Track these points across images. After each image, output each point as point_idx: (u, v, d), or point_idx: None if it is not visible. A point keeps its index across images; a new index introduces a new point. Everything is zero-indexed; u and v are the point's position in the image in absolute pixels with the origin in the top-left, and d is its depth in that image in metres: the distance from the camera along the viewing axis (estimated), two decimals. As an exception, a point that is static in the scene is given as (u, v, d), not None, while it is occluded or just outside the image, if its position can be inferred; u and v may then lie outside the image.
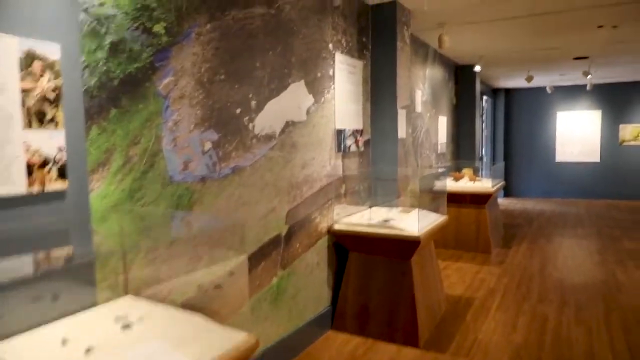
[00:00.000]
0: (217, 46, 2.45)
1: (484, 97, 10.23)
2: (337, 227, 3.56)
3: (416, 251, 3.30)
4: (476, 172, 6.86)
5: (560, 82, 9.90)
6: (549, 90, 9.64)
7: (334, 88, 3.60)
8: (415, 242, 3.22)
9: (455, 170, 6.89)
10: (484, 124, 10.42)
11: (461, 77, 7.52)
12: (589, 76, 7.84)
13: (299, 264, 3.23)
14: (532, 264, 5.30)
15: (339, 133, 3.67)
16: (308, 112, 3.28)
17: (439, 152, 6.48)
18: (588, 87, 8.76)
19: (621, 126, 10.23)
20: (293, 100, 3.10)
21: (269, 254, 2.91)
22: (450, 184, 6.11)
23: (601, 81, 9.77)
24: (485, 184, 6.01)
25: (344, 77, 3.74)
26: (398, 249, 3.34)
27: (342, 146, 3.72)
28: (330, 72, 3.55)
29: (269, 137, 2.87)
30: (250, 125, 2.71)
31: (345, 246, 3.64)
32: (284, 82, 2.99)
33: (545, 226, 7.52)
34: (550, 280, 4.69)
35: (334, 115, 3.61)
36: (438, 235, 3.82)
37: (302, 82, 3.20)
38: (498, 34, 5.44)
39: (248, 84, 2.68)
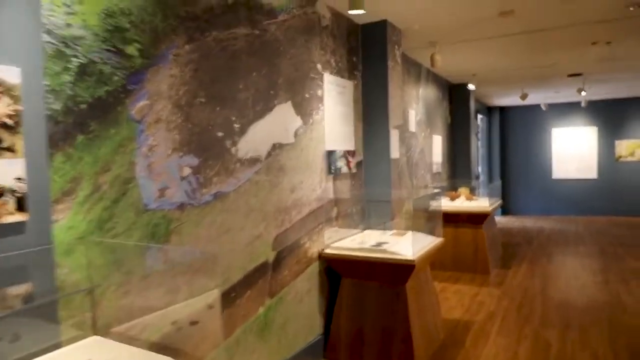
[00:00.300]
0: (197, 68, 2.36)
1: (479, 116, 10.20)
2: (328, 251, 3.43)
3: (411, 276, 3.16)
4: (473, 191, 6.76)
5: (555, 99, 9.89)
6: (543, 108, 9.61)
7: (323, 109, 3.51)
8: (410, 267, 3.09)
9: (451, 189, 6.78)
10: (479, 142, 10.36)
11: (455, 95, 7.48)
12: (583, 93, 7.81)
13: (288, 292, 3.09)
14: (533, 284, 5.16)
15: (330, 155, 3.57)
16: (296, 134, 3.18)
17: (434, 171, 6.38)
18: (583, 104, 8.73)
19: (617, 142, 10.18)
20: (280, 122, 3.01)
21: (255, 282, 2.78)
22: (447, 204, 6.00)
23: (596, 97, 9.75)
24: (482, 203, 5.90)
25: (334, 97, 3.66)
26: (392, 274, 3.20)
27: (332, 168, 3.62)
28: (319, 93, 3.47)
29: (254, 161, 2.76)
30: (234, 149, 2.60)
31: (337, 271, 3.51)
32: (269, 104, 2.90)
33: (545, 244, 7.39)
34: (553, 302, 4.54)
35: (323, 136, 3.52)
36: (434, 259, 3.70)
37: (289, 103, 3.11)
38: (491, 52, 5.41)
39: (230, 107, 2.59)
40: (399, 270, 3.14)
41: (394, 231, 3.89)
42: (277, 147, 2.98)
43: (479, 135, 10.35)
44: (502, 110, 10.96)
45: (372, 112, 4.09)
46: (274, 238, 2.95)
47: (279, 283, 3.00)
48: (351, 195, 3.95)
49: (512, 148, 10.93)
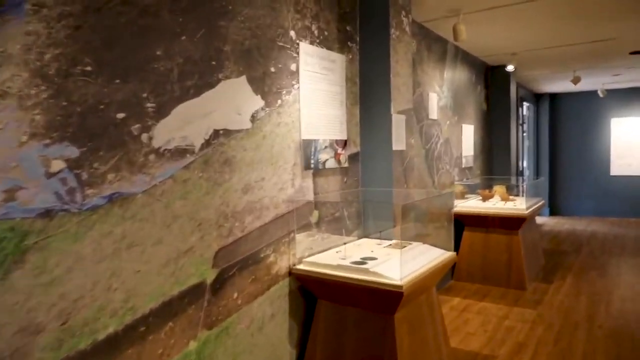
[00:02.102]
0: (79, 24, 1.71)
1: (525, 104, 9.10)
2: (301, 267, 2.73)
3: (401, 305, 2.41)
4: (511, 190, 5.82)
5: (614, 84, 8.62)
6: (601, 94, 8.38)
7: (298, 87, 2.79)
8: (397, 295, 2.33)
9: (486, 187, 5.87)
10: (525, 134, 9.26)
11: (493, 79, 6.51)
12: (650, 75, 6.63)
13: (238, 320, 2.41)
14: (578, 306, 4.23)
15: (307, 145, 2.85)
16: (254, 118, 2.49)
17: (463, 166, 5.50)
18: (649, 89, 7.49)
19: (691, 134, 8.78)
20: (227, 102, 2.32)
21: (182, 311, 2.12)
22: (475, 205, 5.12)
23: (665, 82, 8.42)
24: (519, 205, 4.98)
25: (316, 74, 2.93)
26: (375, 302, 2.47)
27: (313, 162, 2.90)
28: (292, 67, 2.75)
29: (180, 153, 2.09)
30: (145, 136, 1.94)
31: (312, 292, 2.81)
32: (209, 78, 2.22)
33: (597, 254, 6.32)
34: (602, 333, 3.62)
35: (298, 122, 2.80)
36: (437, 280, 2.91)
37: (243, 78, 2.42)
38: (531, 23, 4.46)
39: (141, 80, 1.92)
40: (384, 298, 2.39)
41: (393, 241, 3.13)
42: (221, 135, 2.29)
43: (525, 125, 9.24)
44: (553, 97, 9.75)
45: (371, 93, 3.33)
46: (215, 252, 2.28)
47: (223, 309, 2.33)
48: (342, 196, 3.22)
49: (564, 140, 9.71)
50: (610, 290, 4.68)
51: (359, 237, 3.38)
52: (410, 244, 3.05)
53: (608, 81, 8.20)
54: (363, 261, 2.63)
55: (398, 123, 3.32)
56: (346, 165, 3.24)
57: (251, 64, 2.46)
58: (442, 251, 2.95)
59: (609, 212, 9.26)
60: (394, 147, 3.27)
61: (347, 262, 2.60)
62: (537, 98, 9.72)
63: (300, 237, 2.83)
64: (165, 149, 2.03)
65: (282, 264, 2.70)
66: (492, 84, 6.52)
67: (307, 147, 2.85)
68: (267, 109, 2.57)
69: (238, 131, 2.39)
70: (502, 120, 6.56)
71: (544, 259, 5.93)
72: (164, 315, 2.04)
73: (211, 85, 2.23)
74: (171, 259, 2.07)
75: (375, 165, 3.34)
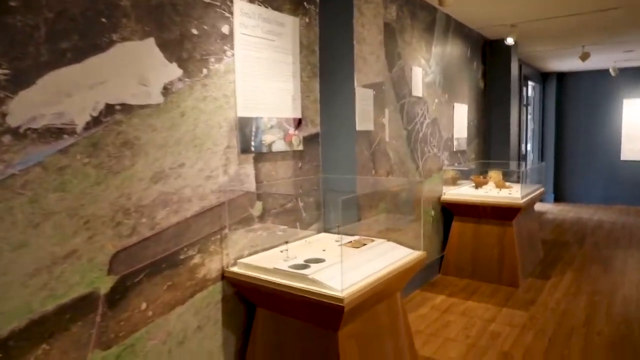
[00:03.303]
0: None
1: (530, 83, 8.50)
2: (235, 270, 2.29)
3: (345, 320, 1.97)
4: (508, 176, 5.31)
5: (627, 62, 7.98)
6: (612, 73, 7.76)
7: (232, 55, 2.32)
8: (337, 309, 1.89)
9: (481, 173, 5.37)
10: (529, 116, 8.68)
11: (491, 54, 5.95)
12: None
13: (148, 335, 1.99)
14: (576, 308, 3.76)
15: (246, 124, 2.39)
16: (167, 91, 2.03)
17: (454, 149, 5.00)
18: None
19: None
20: (124, 70, 1.86)
21: (63, 329, 1.70)
22: (466, 193, 4.64)
23: (683, 59, 7.76)
24: (514, 193, 4.49)
25: (259, 39, 2.45)
26: (316, 315, 2.03)
27: (254, 144, 2.44)
28: (224, 30, 2.28)
29: (54, 133, 1.65)
30: (-8, 109, 1.49)
31: (249, 299, 2.38)
32: (96, 40, 1.76)
33: (601, 245, 5.82)
34: (601, 341, 3.17)
35: (233, 96, 2.33)
36: (402, 285, 2.46)
37: (150, 41, 1.95)
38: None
39: (-17, 35, 1.47)
40: (324, 312, 1.95)
41: (354, 238, 2.67)
42: (117, 111, 1.84)
43: (529, 107, 8.66)
44: (560, 76, 9.12)
45: (332, 63, 2.84)
46: (111, 256, 1.84)
47: (126, 324, 1.90)
48: (296, 184, 2.76)
49: (572, 123, 9.10)
50: (614, 289, 4.19)
51: (319, 232, 2.93)
52: (372, 241, 2.59)
53: (620, 58, 7.57)
54: (306, 264, 2.18)
55: (364, 99, 2.84)
56: (300, 148, 2.77)
57: (163, 23, 1.99)
58: (409, 251, 2.49)
59: (617, 200, 8.69)
60: (358, 127, 2.79)
61: (285, 266, 2.16)
62: (543, 77, 9.10)
63: (237, 234, 2.38)
64: (29, 129, 1.58)
65: (211, 266, 2.27)
66: (491, 60, 5.96)
67: (245, 127, 2.39)
68: (186, 79, 2.10)
69: (143, 107, 1.94)
70: (502, 100, 6.01)
71: (543, 251, 5.44)
72: (32, 337, 1.62)
73: (100, 49, 1.77)
74: (43, 267, 1.63)
75: (339, 149, 2.87)
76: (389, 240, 2.65)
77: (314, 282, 1.98)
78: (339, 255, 2.32)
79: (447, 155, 4.86)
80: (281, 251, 2.43)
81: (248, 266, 2.27)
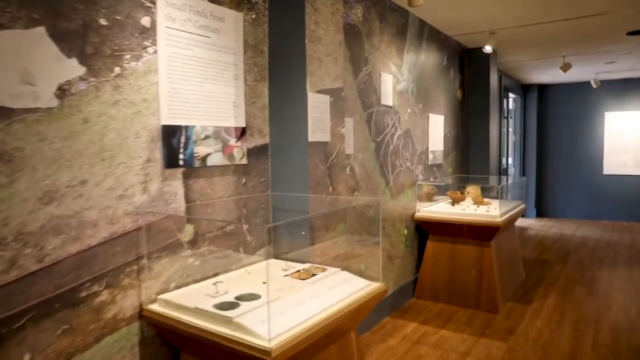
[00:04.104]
0: None
1: (511, 95, 8.29)
2: (154, 308, 1.90)
3: (279, 373, 1.59)
4: (487, 191, 5.01)
5: (609, 74, 7.82)
6: (594, 85, 7.58)
7: (155, 52, 1.96)
8: (266, 362, 1.51)
9: (458, 188, 5.06)
10: (510, 129, 8.45)
11: (469, 63, 5.69)
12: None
13: (31, 398, 1.59)
14: (560, 337, 3.43)
15: (172, 134, 2.02)
16: (64, 92, 1.65)
17: (429, 163, 4.68)
18: (647, 78, 6.69)
19: (691, 130, 8.00)
20: (0, 64, 1.48)
21: None
22: (441, 210, 4.31)
23: (665, 72, 7.62)
24: (492, 211, 4.17)
25: (190, 35, 2.10)
26: (242, 368, 1.64)
27: (182, 157, 2.07)
28: (144, 22, 1.92)
29: None
30: None
31: (171, 343, 1.99)
32: (-45, 22, 1.39)
33: (585, 264, 5.53)
34: (584, 379, 2.83)
35: (156, 100, 1.97)
36: (356, 323, 2.09)
37: (40, 30, 1.58)
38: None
39: None
40: (251, 364, 1.57)
41: (304, 267, 2.30)
42: (-13, 115, 1.46)
43: (510, 119, 8.43)
44: (541, 88, 8.93)
45: (282, 66, 2.50)
46: (-24, 298, 1.45)
47: (-4, 386, 1.51)
48: (237, 203, 2.39)
49: (553, 136, 8.90)
50: (600, 315, 3.88)
51: (267, 258, 2.55)
52: (324, 270, 2.23)
53: (602, 70, 7.39)
54: (236, 302, 1.80)
55: (318, 106, 2.49)
56: (244, 161, 2.41)
57: (58, 9, 1.63)
58: (366, 282, 2.13)
59: (600, 215, 8.47)
60: (311, 138, 2.44)
61: (209, 304, 1.78)
62: (524, 89, 8.91)
63: (161, 263, 2.00)
64: None
65: (125, 304, 1.88)
66: (469, 70, 5.70)
67: (171, 137, 2.02)
68: (91, 79, 1.73)
69: (29, 111, 1.56)
70: (481, 112, 5.74)
71: (525, 271, 5.13)
72: None
73: (-39, 35, 1.40)
74: None
75: (290, 163, 2.52)
76: (345, 268, 2.29)
77: (238, 327, 1.61)
78: (280, 290, 1.95)
79: (422, 170, 4.54)
80: (214, 284, 2.05)
81: (168, 304, 1.88)
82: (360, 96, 3.42)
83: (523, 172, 8.86)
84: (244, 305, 1.77)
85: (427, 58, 4.58)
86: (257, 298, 1.85)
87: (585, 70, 7.35)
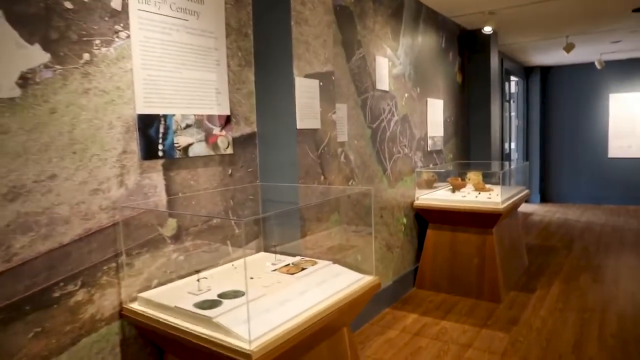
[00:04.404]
0: None
1: (512, 78, 8.11)
2: (134, 307, 1.81)
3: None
4: (489, 177, 4.88)
5: (614, 55, 7.62)
6: (598, 66, 7.40)
7: (128, 36, 1.84)
8: (248, 364, 1.42)
9: (459, 174, 4.93)
10: (513, 113, 8.29)
11: (469, 46, 5.53)
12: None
13: (2, 405, 1.50)
14: (564, 327, 3.33)
15: (149, 123, 1.91)
16: (27, 81, 1.54)
17: (428, 149, 4.56)
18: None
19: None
20: (-50, 49, 1.38)
21: None
22: (442, 197, 4.19)
23: (671, 51, 7.43)
24: (494, 197, 4.05)
25: (166, 18, 1.98)
26: (224, 371, 1.55)
27: (162, 148, 1.96)
28: (114, 4, 1.80)
29: None
30: None
31: (155, 342, 1.90)
32: None
33: (591, 250, 5.41)
34: (590, 370, 2.74)
35: (130, 88, 1.85)
36: (349, 319, 1.99)
37: (-5, 13, 1.47)
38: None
39: None
40: (233, 367, 1.48)
41: (295, 260, 2.20)
42: (-61, 106, 1.35)
43: (513, 103, 8.27)
44: (544, 71, 8.74)
45: (268, 50, 2.37)
46: None
47: (-38, 395, 1.42)
48: (223, 195, 2.28)
49: (557, 119, 8.73)
50: (606, 303, 3.77)
51: (258, 251, 2.46)
52: (315, 263, 2.13)
53: (606, 50, 7.21)
54: (219, 300, 1.71)
55: (307, 91, 2.37)
56: (230, 151, 2.30)
57: (14, -9, 1.51)
58: (359, 276, 2.02)
59: (605, 199, 8.33)
60: (300, 125, 2.33)
61: (190, 303, 1.68)
62: (527, 72, 8.72)
63: (141, 260, 1.91)
64: None
65: (104, 303, 1.78)
66: (469, 52, 5.54)
67: (148, 127, 1.91)
68: (57, 67, 1.62)
69: (-15, 100, 1.45)
70: (482, 96, 5.60)
71: (528, 258, 5.03)
72: None
73: None
74: None
75: (279, 151, 2.40)
76: (338, 261, 2.19)
77: (218, 327, 1.51)
78: (268, 285, 1.85)
79: (421, 156, 4.42)
80: (198, 280, 1.95)
81: (148, 302, 1.79)
82: (354, 81, 3.29)
83: (526, 156, 8.72)
84: (226, 304, 1.67)
85: (425, 40, 4.43)
86: (241, 295, 1.75)
87: (589, 51, 7.17)
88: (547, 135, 8.81)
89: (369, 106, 3.49)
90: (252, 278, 1.98)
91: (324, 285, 1.87)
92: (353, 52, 3.27)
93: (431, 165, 4.64)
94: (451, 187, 4.58)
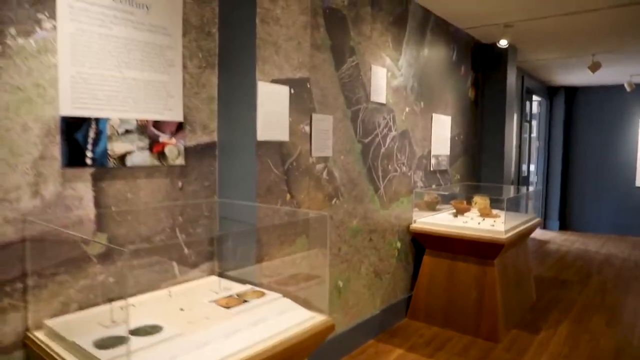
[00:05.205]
0: None
1: (535, 97, 7.70)
2: (36, 337, 1.56)
3: None
4: (498, 203, 4.51)
5: (646, 77, 7.15)
6: (628, 88, 6.93)
7: (54, 27, 1.62)
8: None
9: (466, 197, 4.59)
10: (533, 134, 7.86)
11: (483, 60, 5.20)
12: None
13: None
14: (565, 377, 2.95)
15: (76, 126, 1.68)
16: None
17: (431, 168, 4.23)
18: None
19: None
20: None
21: None
22: (441, 222, 3.86)
23: None
24: (497, 226, 3.70)
25: (105, 9, 1.76)
26: None
27: (91, 155, 1.73)
28: (39, -11, 1.58)
29: None
30: None
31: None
32: None
33: (609, 287, 4.96)
34: None
35: (54, 86, 1.62)
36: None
37: None
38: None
39: None
40: None
41: (242, 290, 1.93)
42: None
43: (533, 122, 7.85)
44: (569, 91, 8.29)
45: (232, 51, 2.13)
46: None
47: None
48: (170, 211, 2.03)
49: (580, 143, 8.24)
50: (619, 351, 3.37)
51: (211, 274, 2.19)
52: (263, 295, 1.85)
53: (637, 72, 6.74)
54: (124, 337, 1.44)
55: (273, 99, 2.11)
56: (181, 162, 2.05)
57: None
58: (309, 314, 1.74)
59: (630, 230, 7.78)
60: (261, 137, 2.07)
61: (89, 340, 1.42)
62: (550, 92, 8.28)
63: (57, 281, 1.66)
64: None
65: (4, 329, 1.54)
66: (484, 67, 5.21)
67: (75, 131, 1.68)
68: (-45, 55, 1.40)
69: None
70: (496, 114, 5.24)
71: (538, 292, 4.62)
72: None
73: None
74: None
75: (239, 165, 2.15)
76: (292, 293, 1.90)
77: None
78: (193, 321, 1.58)
79: (422, 176, 4.10)
80: (121, 308, 1.69)
81: (51, 332, 1.54)
82: (343, 91, 3.02)
83: (547, 180, 8.24)
84: (135, 342, 1.41)
85: (433, 52, 4.13)
86: (157, 332, 1.49)
87: (618, 72, 6.72)
88: (569, 158, 8.32)
89: (360, 119, 3.21)
90: (182, 310, 1.71)
91: (260, 326, 1.59)
92: (344, 60, 3.01)
93: (434, 186, 4.32)
94: (454, 210, 4.24)
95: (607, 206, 7.99)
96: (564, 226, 8.30)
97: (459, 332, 3.61)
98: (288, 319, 1.68)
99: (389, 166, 3.59)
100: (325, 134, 2.83)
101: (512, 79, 5.29)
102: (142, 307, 1.74)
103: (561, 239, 7.53)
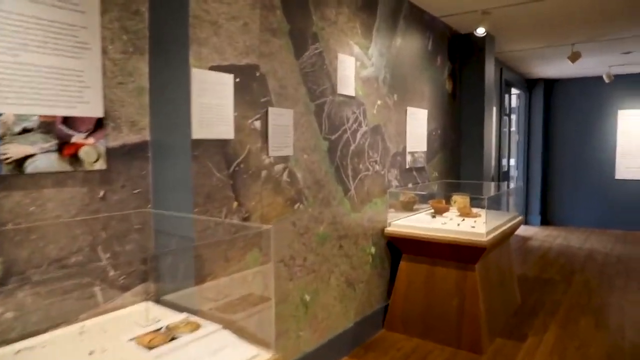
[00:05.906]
0: None
1: (513, 90, 7.51)
2: None
3: None
4: (478, 201, 4.25)
5: (624, 68, 7.01)
6: (607, 80, 6.78)
7: None
8: None
9: (445, 196, 4.32)
10: (513, 128, 7.67)
11: (461, 51, 4.94)
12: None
13: None
14: (555, 392, 2.69)
15: (-50, 125, 1.32)
16: None
17: (407, 166, 3.94)
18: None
19: None
20: None
21: None
22: (418, 224, 3.57)
23: (687, 65, 6.80)
24: (479, 227, 3.43)
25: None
26: None
27: (-26, 161, 1.37)
28: None
29: None
30: None
31: None
32: None
33: (593, 285, 4.76)
34: None
35: None
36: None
37: None
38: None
39: None
40: None
41: (174, 322, 1.59)
42: None
43: (512, 117, 7.66)
44: (548, 83, 8.13)
45: (164, 34, 1.78)
46: None
47: None
48: (88, 226, 1.68)
49: (560, 136, 8.10)
50: (610, 355, 3.13)
51: (147, 299, 1.85)
52: (198, 327, 1.52)
53: (616, 62, 6.59)
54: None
55: (212, 89, 1.78)
56: (101, 166, 1.70)
57: None
58: (251, 352, 1.41)
59: (611, 223, 7.66)
60: (196, 134, 1.74)
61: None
62: (529, 85, 8.10)
63: None
64: None
65: None
66: (461, 58, 4.95)
67: (-54, 130, 1.31)
68: None
69: None
70: (475, 107, 4.99)
71: (522, 294, 4.38)
72: None
73: None
74: None
75: (176, 168, 1.80)
76: (234, 322, 1.58)
77: None
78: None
79: (397, 174, 3.80)
80: (17, 351, 1.34)
81: None
82: (305, 82, 2.70)
83: (527, 175, 8.07)
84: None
85: (406, 40, 3.84)
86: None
87: (597, 63, 6.56)
88: (549, 152, 8.17)
89: (326, 113, 2.90)
90: (91, 354, 1.37)
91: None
92: (306, 47, 2.68)
93: (410, 185, 4.03)
94: (432, 210, 3.97)
95: (588, 199, 7.86)
96: (545, 221, 8.14)
97: (439, 344, 3.34)
98: (229, 356, 1.35)
99: (360, 165, 3.29)
100: (284, 130, 2.50)
101: (490, 70, 5.04)
102: (47, 348, 1.39)
103: (543, 234, 7.35)
